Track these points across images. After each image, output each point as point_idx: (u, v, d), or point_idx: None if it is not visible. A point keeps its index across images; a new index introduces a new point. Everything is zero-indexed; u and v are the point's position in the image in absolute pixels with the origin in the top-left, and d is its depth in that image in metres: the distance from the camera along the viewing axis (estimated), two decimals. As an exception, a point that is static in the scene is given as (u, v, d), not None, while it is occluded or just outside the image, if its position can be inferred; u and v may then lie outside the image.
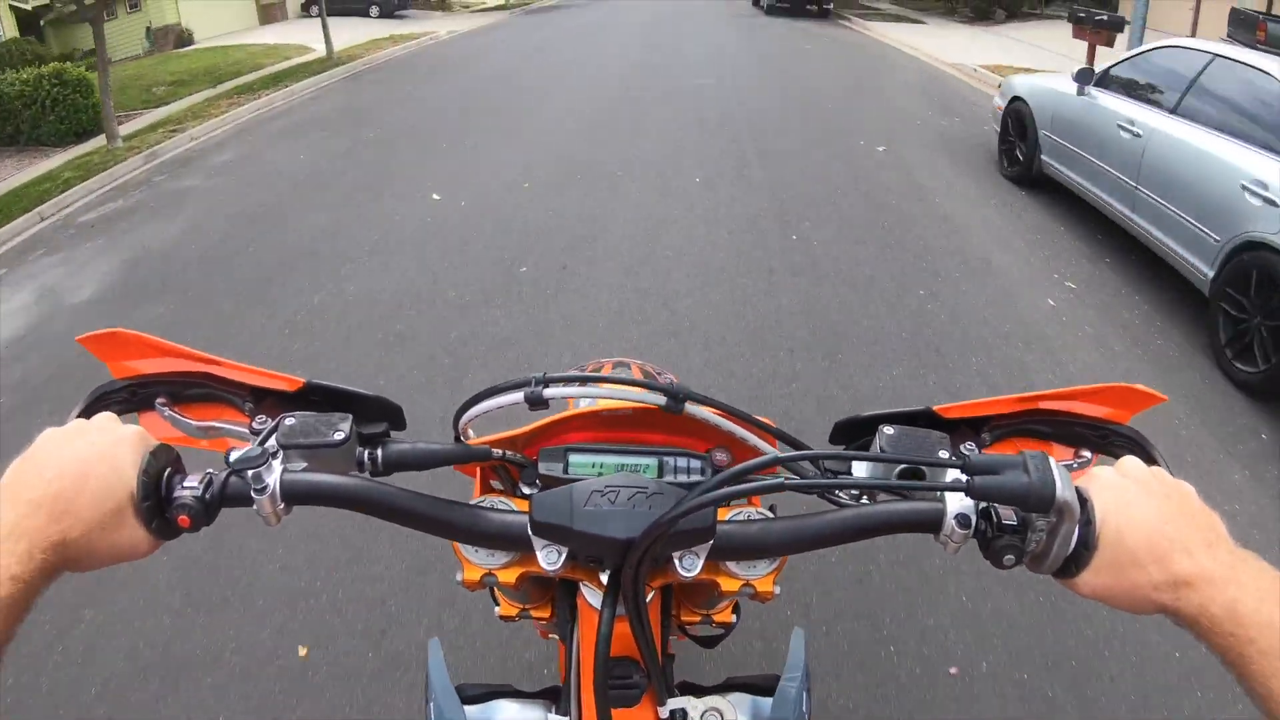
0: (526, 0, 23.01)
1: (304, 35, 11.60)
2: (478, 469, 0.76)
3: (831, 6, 17.08)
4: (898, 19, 15.79)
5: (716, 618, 0.82)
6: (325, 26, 11.65)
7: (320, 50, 11.91)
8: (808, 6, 16.97)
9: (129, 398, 0.66)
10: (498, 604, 0.82)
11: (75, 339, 0.67)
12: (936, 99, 8.45)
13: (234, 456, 0.53)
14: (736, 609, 0.85)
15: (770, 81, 9.38)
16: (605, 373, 1.06)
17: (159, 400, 0.66)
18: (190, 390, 0.67)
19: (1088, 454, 0.68)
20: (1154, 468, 0.53)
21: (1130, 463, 0.53)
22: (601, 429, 0.74)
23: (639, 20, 16.29)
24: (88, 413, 0.61)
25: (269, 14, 19.40)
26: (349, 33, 14.52)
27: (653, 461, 0.70)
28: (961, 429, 0.68)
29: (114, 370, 0.67)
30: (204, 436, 0.67)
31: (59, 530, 0.45)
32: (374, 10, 19.32)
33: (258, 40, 14.71)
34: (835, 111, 7.79)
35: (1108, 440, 0.67)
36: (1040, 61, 9.98)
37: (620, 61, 10.91)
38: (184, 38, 16.89)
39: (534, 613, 0.81)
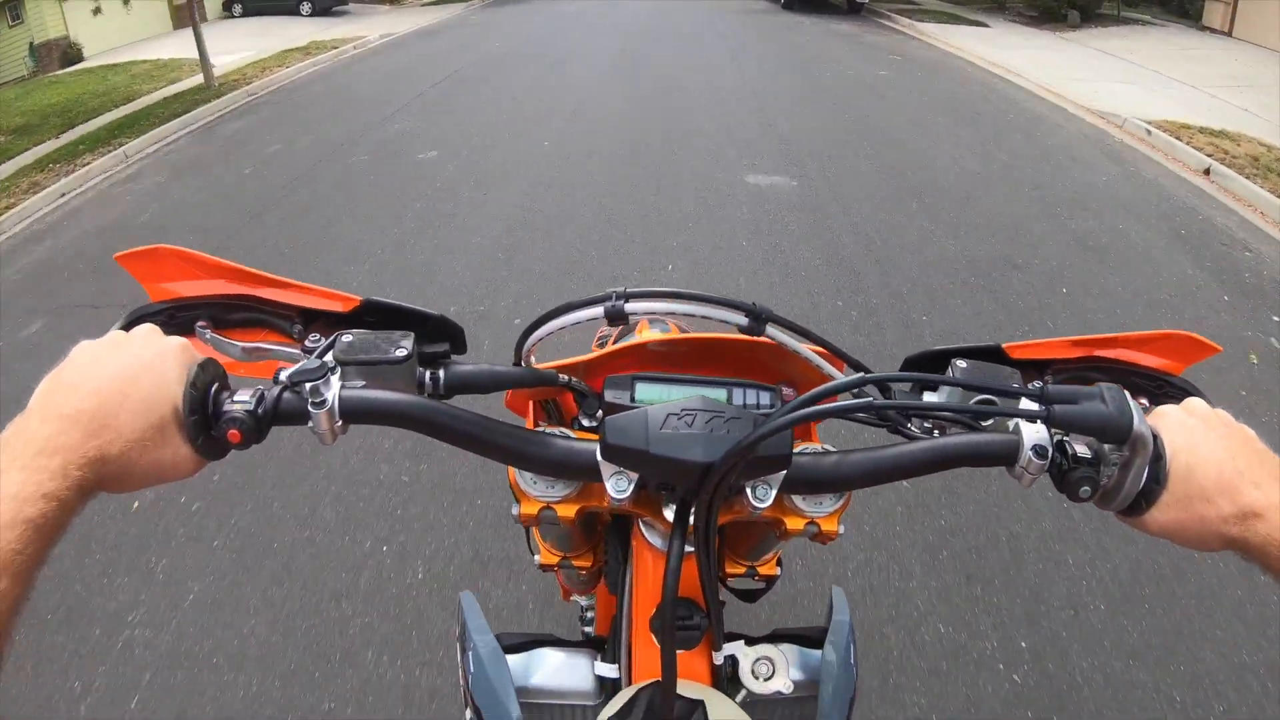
0: None
1: (210, 45, 8.52)
2: (529, 406, 0.75)
3: (867, 2, 13.76)
4: (951, 19, 12.54)
5: (761, 569, 0.80)
6: (200, 43, 8.41)
7: (217, 67, 8.89)
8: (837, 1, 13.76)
9: (167, 321, 0.63)
10: (535, 553, 0.80)
11: (114, 257, 0.63)
12: (1185, 240, 4.22)
13: (289, 371, 0.51)
14: (780, 562, 0.82)
15: (844, 154, 5.47)
16: (641, 327, 1.07)
17: (199, 324, 0.64)
18: (235, 314, 0.64)
19: (1145, 403, 0.65)
20: (1217, 409, 0.53)
21: (1196, 403, 0.53)
22: (666, 362, 0.72)
23: (624, 20, 13.07)
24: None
25: (185, 17, 16.04)
26: (261, 40, 12.13)
27: (722, 392, 0.67)
28: (1027, 369, 0.67)
29: (151, 293, 0.64)
30: (249, 359, 0.64)
31: (97, 446, 0.43)
32: (305, 7, 15.94)
33: (154, 54, 11.90)
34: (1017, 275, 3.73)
35: (1163, 390, 0.67)
36: (1210, 108, 6.77)
37: (600, 95, 7.61)
38: (70, 54, 13.60)
39: (575, 561, 0.79)
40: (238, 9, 16.72)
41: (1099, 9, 12.65)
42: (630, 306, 0.59)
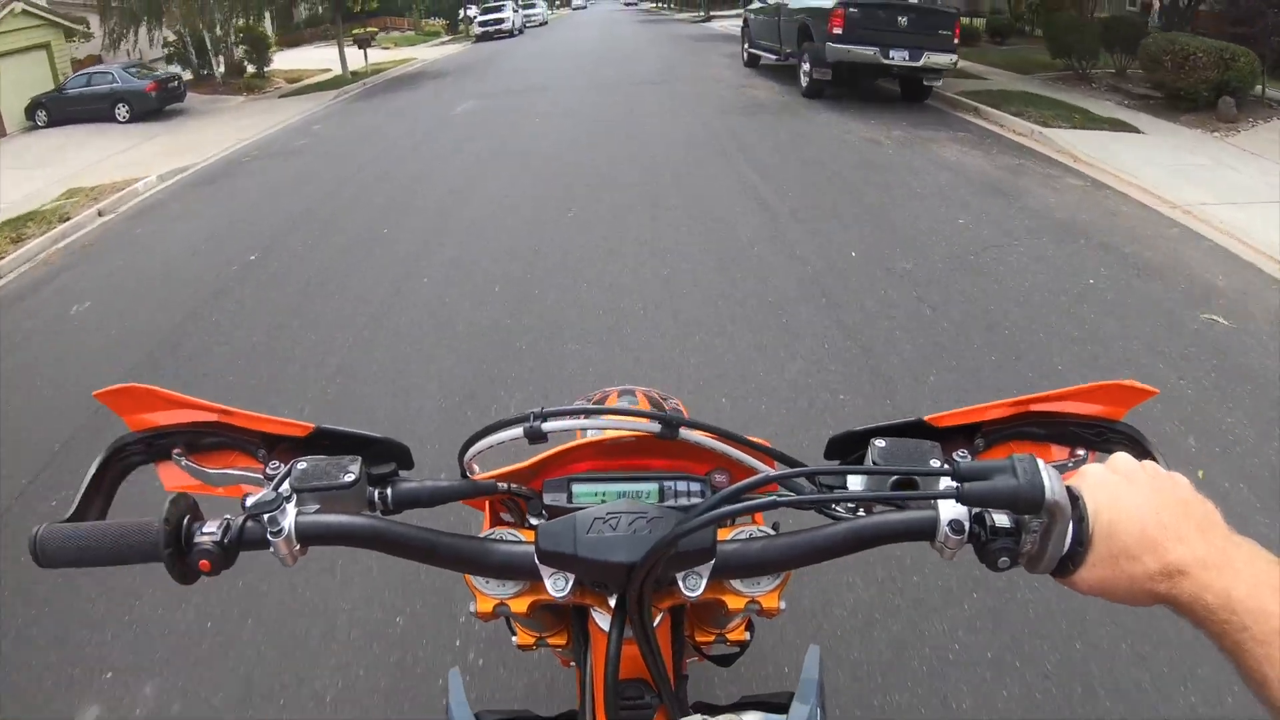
0: (376, 68, 16.60)
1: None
2: (486, 503, 0.79)
3: (939, 84, 9.03)
4: (1082, 118, 7.79)
5: (730, 636, 0.84)
6: None
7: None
8: (885, 82, 9.41)
9: (146, 449, 0.68)
10: (515, 634, 0.83)
11: (92, 395, 0.67)
12: None
13: (249, 501, 0.55)
14: (750, 627, 0.87)
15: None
16: (610, 402, 1.19)
17: (175, 451, 0.68)
18: (205, 440, 0.69)
19: (1083, 452, 0.68)
20: (1145, 461, 0.53)
21: (1120, 458, 0.53)
22: (605, 457, 0.76)
23: (557, 136, 8.03)
24: (106, 464, 0.65)
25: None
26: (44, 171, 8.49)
27: (653, 487, 0.73)
28: (954, 437, 0.69)
29: (130, 423, 0.68)
30: (220, 484, 0.68)
31: None
32: (121, 110, 11.90)
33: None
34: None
35: (1103, 437, 0.68)
36: None
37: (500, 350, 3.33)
38: None
39: (551, 640, 0.82)
40: (41, 116, 12.64)
41: (1254, 88, 8.27)
42: (547, 426, 0.64)
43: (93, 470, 0.64)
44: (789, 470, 0.63)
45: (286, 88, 14.96)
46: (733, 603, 0.66)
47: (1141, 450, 0.63)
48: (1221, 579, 0.44)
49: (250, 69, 16.43)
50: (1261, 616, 0.42)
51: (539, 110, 9.67)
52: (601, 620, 0.67)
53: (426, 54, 20.98)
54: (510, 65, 15.73)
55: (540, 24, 34.61)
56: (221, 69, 16.15)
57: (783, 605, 0.67)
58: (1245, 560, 0.45)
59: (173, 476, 0.68)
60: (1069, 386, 0.67)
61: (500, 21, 26.63)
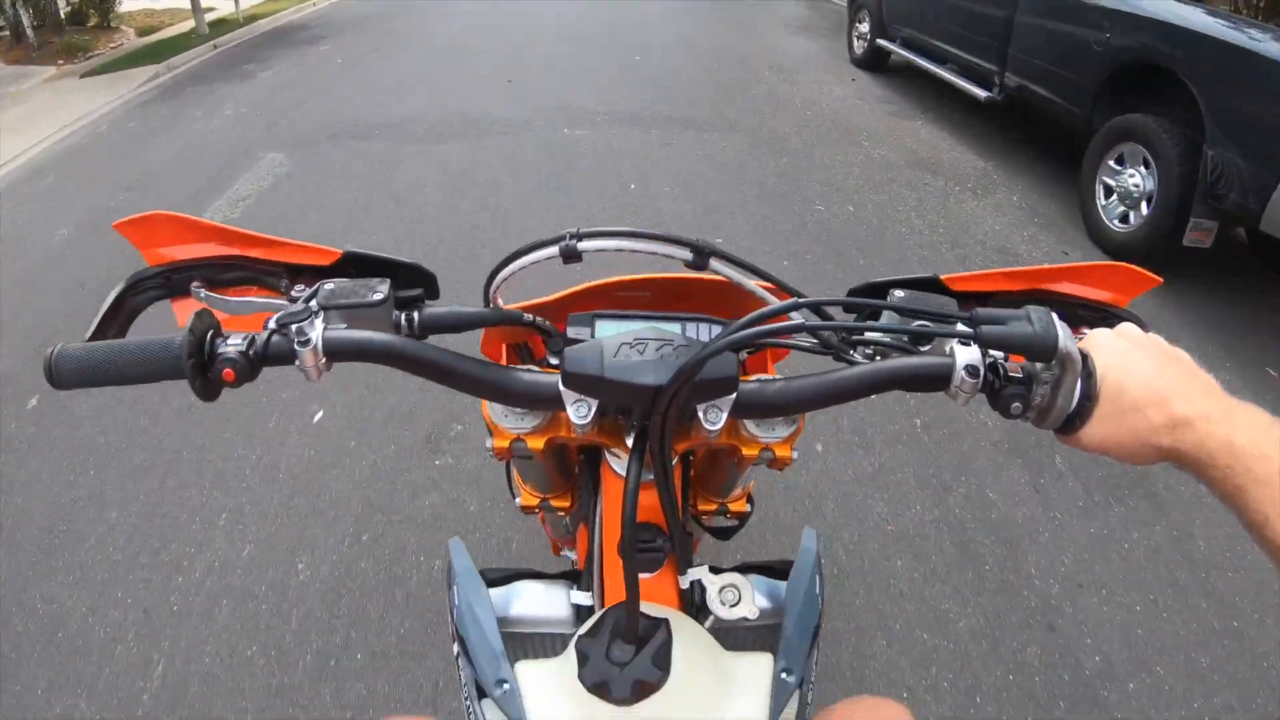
0: (255, 13, 10.18)
1: None
2: (502, 347, 0.81)
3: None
4: None
5: (732, 507, 0.86)
6: None
7: None
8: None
9: (164, 283, 0.67)
10: (517, 496, 0.84)
11: (112, 225, 0.66)
12: None
13: (277, 316, 0.55)
14: (750, 499, 0.89)
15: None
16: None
17: (194, 284, 0.68)
18: (225, 273, 0.69)
19: (1087, 332, 0.63)
20: (1151, 334, 0.55)
21: (1128, 326, 0.55)
22: (623, 304, 0.76)
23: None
24: (121, 298, 0.65)
25: None
26: None
27: (676, 326, 0.71)
28: (967, 301, 0.70)
29: (148, 258, 0.68)
30: (240, 313, 0.68)
31: None
32: None
33: None
34: None
35: (1107, 321, 0.69)
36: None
37: None
38: None
39: (554, 501, 0.83)
40: None
41: None
42: (583, 245, 0.64)
43: (107, 304, 0.63)
44: (815, 299, 0.60)
45: (131, 46, 9.44)
46: (748, 449, 0.68)
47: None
48: (1224, 429, 0.47)
49: (94, 16, 10.22)
50: (1262, 460, 0.45)
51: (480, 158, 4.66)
52: (616, 464, 0.73)
53: None
54: (446, 26, 9.15)
55: None
56: (31, 20, 9.54)
57: (794, 454, 0.69)
58: (1246, 415, 0.48)
59: (192, 310, 0.59)
60: (1077, 264, 0.70)
61: None
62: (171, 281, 0.68)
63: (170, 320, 0.68)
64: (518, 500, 0.84)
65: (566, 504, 0.84)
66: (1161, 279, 0.70)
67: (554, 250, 0.64)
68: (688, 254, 0.64)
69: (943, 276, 0.70)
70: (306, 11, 10.86)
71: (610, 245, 0.65)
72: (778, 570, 0.72)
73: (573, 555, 1.23)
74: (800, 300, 0.59)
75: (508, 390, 0.59)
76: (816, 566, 0.71)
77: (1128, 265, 0.69)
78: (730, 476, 0.81)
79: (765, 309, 0.55)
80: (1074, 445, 0.53)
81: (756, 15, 8.99)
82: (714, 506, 0.85)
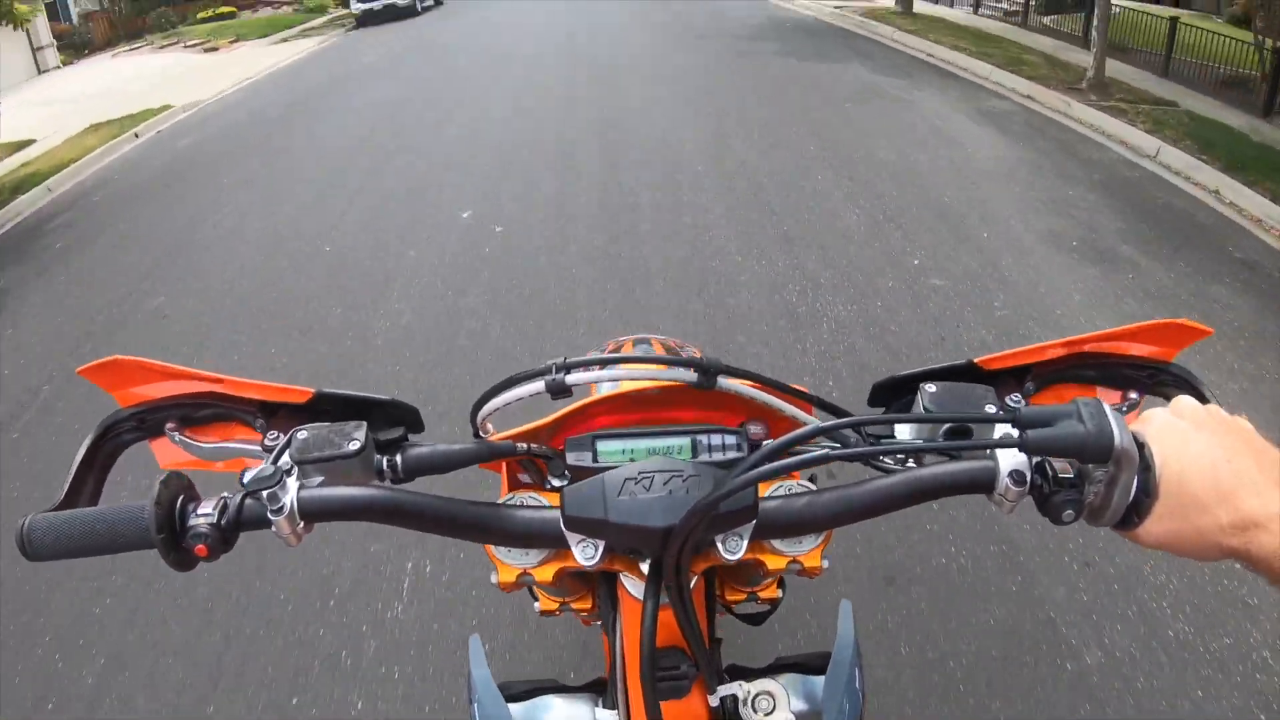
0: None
1: None
2: (504, 465, 0.75)
3: None
4: None
5: (762, 595, 0.80)
6: None
7: None
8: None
9: (138, 425, 0.65)
10: (537, 599, 0.81)
11: (76, 371, 0.66)
12: None
13: (247, 477, 0.52)
14: (782, 584, 0.83)
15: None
16: (626, 351, 1.17)
17: (169, 425, 0.66)
18: (200, 411, 0.66)
19: (1135, 395, 0.66)
20: (1209, 405, 0.50)
21: (1184, 402, 0.50)
22: (628, 411, 0.72)
23: None
24: (96, 444, 0.62)
25: None
26: None
27: (685, 442, 0.69)
28: (1005, 379, 0.67)
29: (120, 399, 0.66)
30: (218, 459, 0.66)
31: None
32: None
33: None
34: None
35: (1155, 379, 0.66)
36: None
37: None
38: None
39: (575, 605, 0.79)
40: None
41: None
42: (571, 378, 0.60)
43: (82, 452, 0.61)
44: (835, 421, 0.57)
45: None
46: (773, 563, 0.64)
47: (1195, 392, 0.61)
48: None
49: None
50: None
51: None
52: (632, 587, 0.66)
53: (229, 71, 11.70)
54: (317, 150, 6.69)
55: None
56: None
57: (825, 564, 0.65)
58: None
59: (168, 453, 0.66)
60: (1120, 327, 0.66)
61: None
62: (146, 423, 0.64)
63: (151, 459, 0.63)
64: (537, 605, 0.79)
65: (587, 606, 0.79)
66: (1212, 330, 0.65)
67: (539, 385, 0.59)
68: (693, 376, 0.61)
69: (977, 360, 0.65)
70: (98, 167, 7.13)
71: (604, 375, 0.61)
72: (814, 666, 0.68)
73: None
74: (825, 425, 0.55)
75: (507, 533, 0.57)
76: (855, 656, 0.68)
77: (1176, 321, 0.64)
78: (759, 575, 0.75)
79: (785, 438, 0.51)
80: (1131, 539, 0.48)
81: (848, 99, 6.96)
82: (742, 596, 0.79)
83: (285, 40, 16.15)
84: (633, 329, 3.14)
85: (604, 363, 0.62)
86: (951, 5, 13.62)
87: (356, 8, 17.42)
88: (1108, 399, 0.66)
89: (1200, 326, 0.64)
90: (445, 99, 8.25)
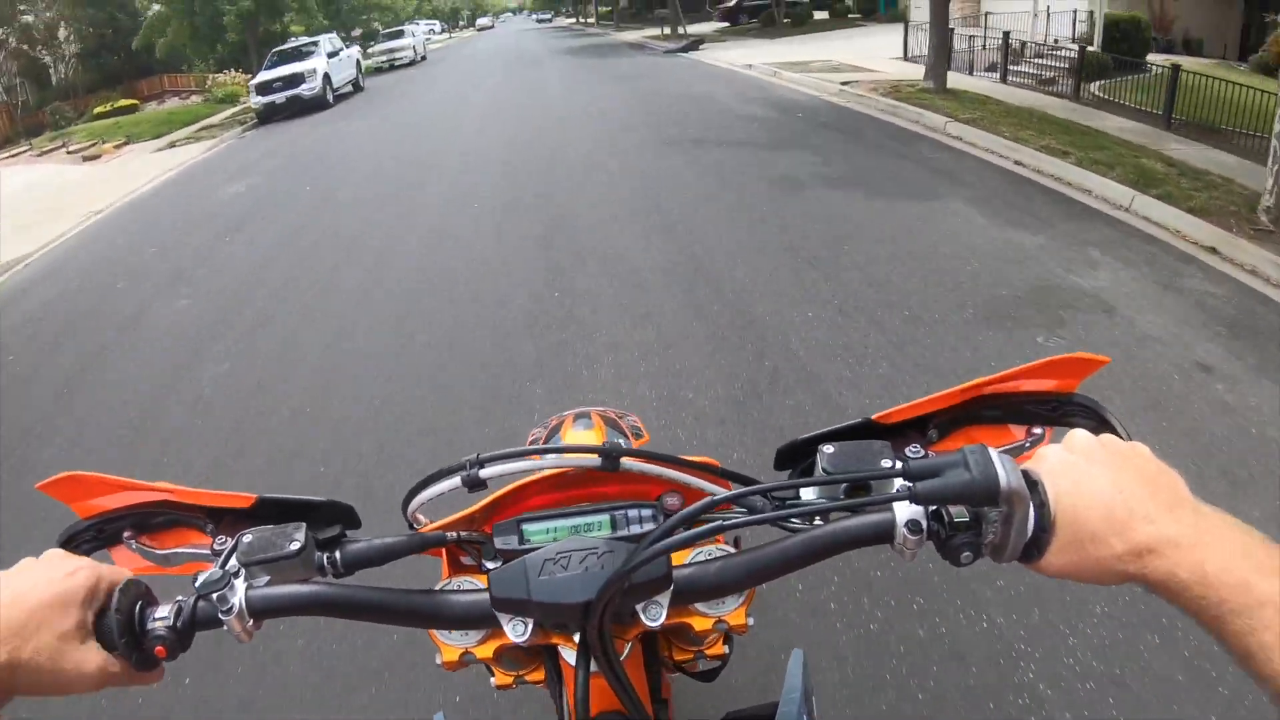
0: None
1: None
2: (444, 551, 0.77)
3: None
4: None
5: (709, 652, 0.82)
6: None
7: None
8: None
9: (98, 535, 0.69)
10: (493, 674, 0.80)
11: (35, 486, 0.68)
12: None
13: (199, 581, 0.55)
14: (729, 640, 0.84)
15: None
16: (565, 425, 1.22)
17: (125, 534, 0.69)
18: (154, 519, 0.70)
19: (1040, 430, 0.68)
20: (1103, 435, 0.52)
21: (1078, 436, 0.52)
22: (557, 490, 0.75)
23: None
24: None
25: None
26: None
27: (605, 518, 0.71)
28: (906, 432, 0.69)
29: (79, 510, 0.69)
30: (172, 564, 0.69)
31: (5, 652, 0.47)
32: None
33: None
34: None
35: (1059, 412, 0.67)
36: None
37: None
38: None
39: (529, 678, 0.80)
40: None
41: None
42: (486, 472, 0.63)
43: None
44: (739, 490, 0.63)
45: None
46: (699, 625, 0.68)
47: (1099, 420, 0.64)
48: (1193, 555, 0.43)
49: None
50: (1239, 589, 0.41)
51: None
52: (570, 656, 0.67)
53: (90, 194, 9.36)
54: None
55: (407, 63, 24.23)
56: None
57: (750, 621, 0.68)
58: (1215, 533, 0.44)
59: (127, 560, 0.69)
60: (1018, 366, 0.67)
61: (295, 82, 14.48)
62: (105, 532, 0.69)
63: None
64: (493, 680, 0.79)
65: (541, 678, 0.80)
66: (1110, 359, 0.66)
67: (456, 481, 0.64)
68: (596, 461, 0.66)
69: (875, 416, 0.68)
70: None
71: (515, 468, 0.65)
72: (763, 716, 0.72)
73: None
74: (722, 496, 0.58)
75: (442, 618, 0.61)
76: (803, 702, 0.71)
77: (1073, 355, 0.65)
78: (697, 636, 0.75)
79: (686, 510, 0.56)
80: (1038, 572, 0.50)
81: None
82: (690, 655, 0.80)
83: (173, 145, 13.48)
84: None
85: (514, 455, 0.65)
86: (971, 72, 11.57)
87: (256, 101, 14.77)
88: (1013, 437, 0.69)
89: (1096, 357, 0.65)
90: (328, 256, 5.55)
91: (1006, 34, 11.29)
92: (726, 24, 26.97)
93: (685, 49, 18.58)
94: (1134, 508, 0.45)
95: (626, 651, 0.65)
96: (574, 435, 1.19)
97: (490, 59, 23.02)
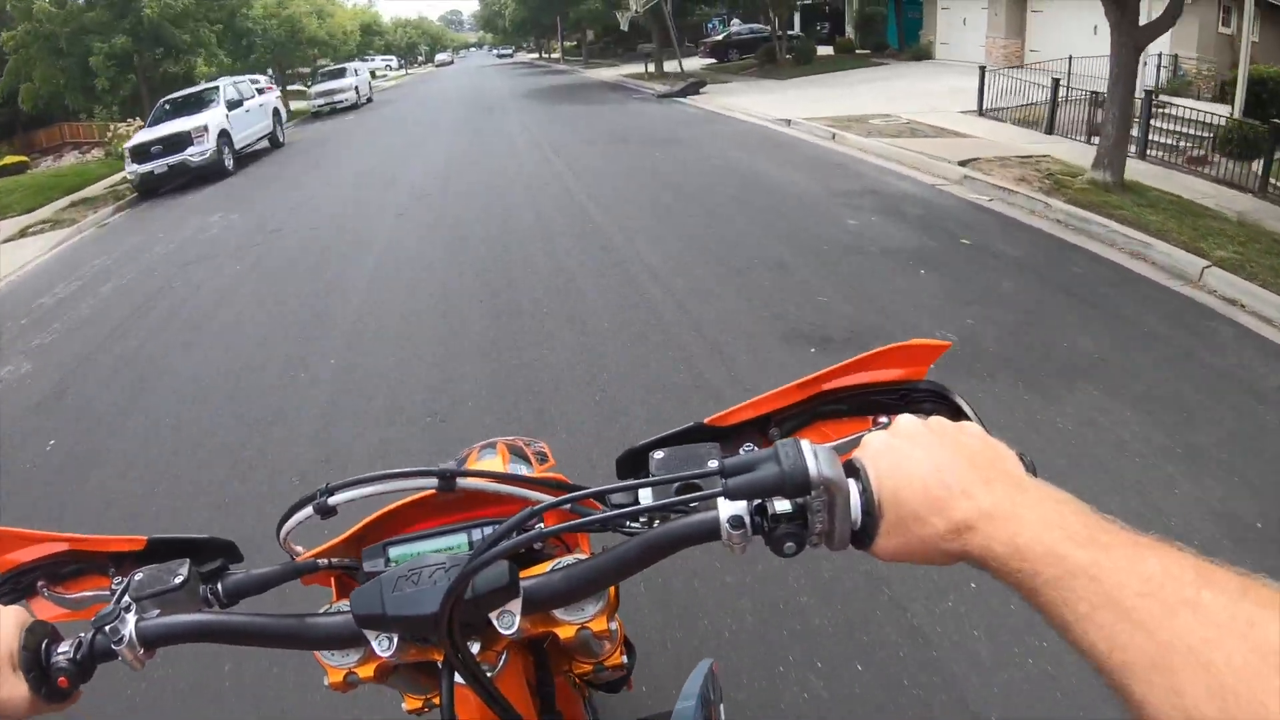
0: None
1: None
2: (331, 577, 0.80)
3: None
4: None
5: (608, 663, 0.85)
6: None
7: None
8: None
9: (14, 588, 0.73)
10: (402, 701, 0.83)
11: None
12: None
13: (95, 617, 0.60)
14: (629, 651, 0.89)
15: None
16: (472, 456, 1.26)
17: (39, 584, 0.74)
18: (64, 569, 0.74)
19: (885, 419, 0.68)
20: (932, 418, 0.53)
21: (903, 420, 0.53)
22: (426, 515, 0.79)
23: None
24: None
25: None
26: None
27: (463, 538, 0.77)
28: (746, 432, 0.71)
29: None
30: (81, 608, 0.74)
31: None
32: None
33: None
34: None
35: (908, 399, 0.68)
36: None
37: None
38: None
39: (437, 700, 0.79)
40: None
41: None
42: (335, 499, 0.69)
43: None
44: (569, 495, 0.65)
45: None
46: (564, 632, 0.72)
47: (948, 405, 0.64)
48: (1007, 527, 0.43)
49: None
50: (1051, 559, 0.41)
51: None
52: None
53: None
54: None
55: (349, 106, 21.19)
56: None
57: (613, 625, 0.73)
58: (1031, 505, 0.44)
59: (45, 609, 0.73)
60: (855, 358, 0.67)
61: (179, 145, 10.98)
62: (20, 584, 0.73)
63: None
64: (404, 706, 0.83)
65: None
66: (950, 343, 0.68)
67: (309, 510, 0.69)
68: (434, 482, 0.70)
69: (707, 420, 0.70)
70: None
71: (361, 493, 0.69)
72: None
73: None
74: (551, 501, 0.61)
75: (313, 639, 0.63)
76: (700, 705, 0.74)
77: (912, 342, 0.66)
78: (591, 643, 0.78)
79: (508, 523, 0.56)
80: (873, 556, 0.50)
81: None
82: (589, 667, 0.84)
83: (24, 233, 9.82)
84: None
85: (359, 482, 0.68)
86: (1049, 130, 8.57)
87: (131, 171, 11.10)
88: (857, 428, 0.69)
89: (938, 342, 0.66)
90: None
91: (1150, 93, 8.33)
92: (713, 60, 24.11)
93: (683, 92, 15.35)
94: (951, 484, 0.46)
95: (502, 662, 0.69)
96: (480, 463, 1.19)
97: (444, 105, 19.71)
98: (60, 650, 0.58)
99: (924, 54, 18.17)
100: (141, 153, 11.05)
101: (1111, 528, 0.41)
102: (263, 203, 9.31)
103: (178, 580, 0.66)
